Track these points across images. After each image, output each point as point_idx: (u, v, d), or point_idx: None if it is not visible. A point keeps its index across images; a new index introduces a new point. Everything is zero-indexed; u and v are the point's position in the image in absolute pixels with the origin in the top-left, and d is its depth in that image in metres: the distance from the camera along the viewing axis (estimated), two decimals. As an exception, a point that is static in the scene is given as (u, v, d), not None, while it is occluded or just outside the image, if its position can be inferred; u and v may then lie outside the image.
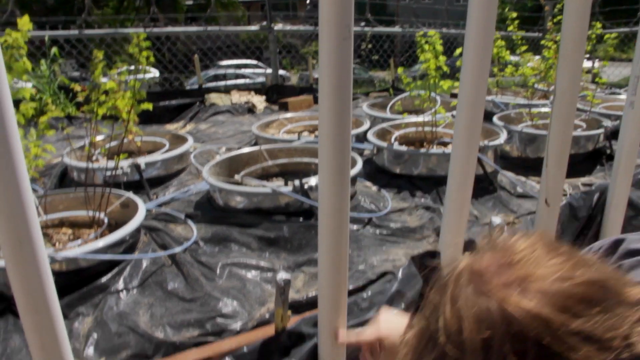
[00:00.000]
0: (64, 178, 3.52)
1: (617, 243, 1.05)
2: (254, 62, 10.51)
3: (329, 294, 1.57)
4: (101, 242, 2.19)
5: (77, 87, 2.64)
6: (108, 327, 1.96)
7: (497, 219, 2.09)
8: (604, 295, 0.74)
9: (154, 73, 7.60)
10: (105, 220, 2.54)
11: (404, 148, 3.25)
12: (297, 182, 2.59)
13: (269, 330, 1.72)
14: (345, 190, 1.42)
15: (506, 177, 3.34)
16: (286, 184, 2.67)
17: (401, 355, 0.86)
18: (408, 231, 2.62)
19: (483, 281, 0.77)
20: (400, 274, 1.98)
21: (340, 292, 1.57)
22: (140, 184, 3.14)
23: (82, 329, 1.98)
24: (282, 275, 1.59)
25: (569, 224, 2.53)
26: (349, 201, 1.45)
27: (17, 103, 2.20)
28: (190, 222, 2.70)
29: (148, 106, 2.66)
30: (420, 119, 3.66)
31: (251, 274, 2.29)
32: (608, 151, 3.91)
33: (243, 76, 10.36)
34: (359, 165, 2.88)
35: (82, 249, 2.15)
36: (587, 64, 5.57)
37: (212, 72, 10.44)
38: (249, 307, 2.05)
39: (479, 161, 3.13)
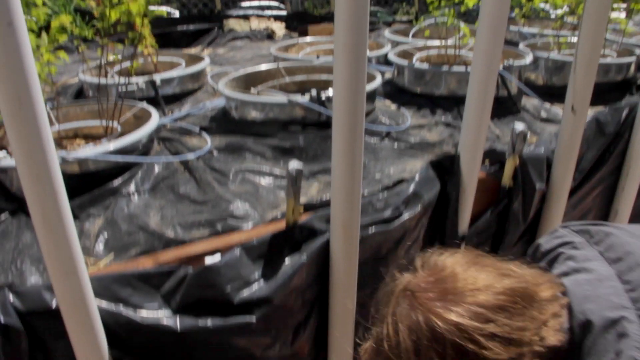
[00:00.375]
0: (79, 96, 3.49)
1: (536, 248, 1.21)
2: (275, 3, 10.29)
3: (342, 186, 1.52)
4: (112, 145, 2.16)
5: (92, 2, 2.57)
6: (118, 226, 1.94)
7: (519, 126, 2.01)
8: (514, 301, 0.92)
9: (173, 13, 7.48)
10: (119, 129, 2.51)
11: (425, 66, 3.14)
12: (314, 93, 2.51)
13: (280, 225, 1.68)
14: (362, 83, 1.35)
15: (530, 99, 3.23)
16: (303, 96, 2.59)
17: None
18: (427, 145, 2.54)
19: (415, 297, 0.96)
20: (417, 177, 1.91)
21: (355, 185, 1.53)
22: (156, 101, 3.09)
23: (92, 229, 1.96)
24: (294, 165, 1.53)
25: (594, 140, 2.42)
26: (366, 91, 1.38)
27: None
28: (204, 133, 2.65)
29: (162, 13, 2.58)
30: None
31: (265, 181, 2.25)
32: (639, 82, 3.76)
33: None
34: (378, 80, 2.79)
35: (93, 150, 2.11)
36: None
37: (233, 12, 10.26)
38: (261, 210, 2.01)
39: (503, 81, 3.02)
